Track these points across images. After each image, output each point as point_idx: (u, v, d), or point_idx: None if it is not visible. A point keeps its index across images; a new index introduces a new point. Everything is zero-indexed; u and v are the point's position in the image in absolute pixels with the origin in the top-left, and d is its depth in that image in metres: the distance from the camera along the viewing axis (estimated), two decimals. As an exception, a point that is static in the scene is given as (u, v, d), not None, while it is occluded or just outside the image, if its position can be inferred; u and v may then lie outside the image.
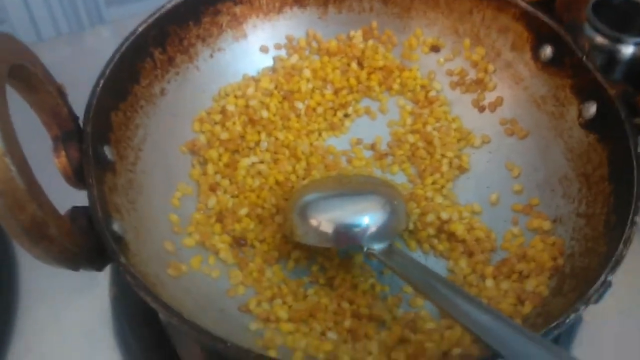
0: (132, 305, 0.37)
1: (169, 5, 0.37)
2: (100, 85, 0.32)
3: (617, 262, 0.28)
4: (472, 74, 0.42)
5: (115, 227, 0.28)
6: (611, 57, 0.45)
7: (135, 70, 0.36)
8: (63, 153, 0.29)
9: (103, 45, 0.52)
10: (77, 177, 0.29)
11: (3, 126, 0.22)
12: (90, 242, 0.26)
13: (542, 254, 0.33)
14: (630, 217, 0.30)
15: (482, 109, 0.41)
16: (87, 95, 0.32)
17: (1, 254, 0.38)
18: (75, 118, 0.31)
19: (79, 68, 0.40)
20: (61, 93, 0.30)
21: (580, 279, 0.30)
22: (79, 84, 0.32)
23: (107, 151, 0.31)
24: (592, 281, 0.28)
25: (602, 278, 0.28)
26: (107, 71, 0.33)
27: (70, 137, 0.30)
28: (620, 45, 0.44)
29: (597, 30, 0.44)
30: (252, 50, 0.42)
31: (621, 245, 0.29)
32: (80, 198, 0.29)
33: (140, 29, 0.36)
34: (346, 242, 0.33)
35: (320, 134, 0.41)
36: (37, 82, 0.29)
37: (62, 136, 0.30)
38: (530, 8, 0.38)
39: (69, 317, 0.37)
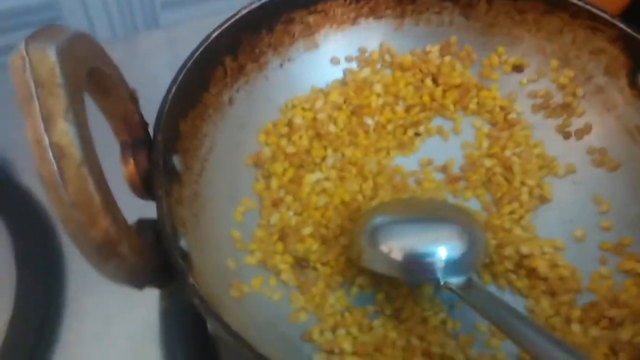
0: (181, 320, 0.36)
1: (243, 12, 0.36)
2: (173, 91, 0.31)
3: None
4: (557, 98, 0.39)
5: (182, 243, 0.27)
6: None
7: (206, 78, 0.35)
8: (131, 161, 0.28)
9: (157, 49, 0.51)
10: (145, 186, 0.28)
11: (81, 133, 0.21)
12: (157, 259, 0.24)
13: (637, 300, 0.30)
14: None
15: (567, 136, 0.38)
16: (141, 100, 0.30)
17: (51, 264, 0.37)
18: (146, 125, 0.30)
19: (133, 72, 0.39)
20: (133, 98, 0.29)
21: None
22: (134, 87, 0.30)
23: (176, 161, 0.30)
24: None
25: None
26: (180, 77, 0.31)
27: (140, 144, 0.29)
28: None
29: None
30: (322, 62, 0.40)
31: None
32: (137, 208, 0.27)
33: (214, 35, 0.34)
34: (419, 273, 0.30)
35: (388, 153, 0.39)
36: (111, 86, 0.28)
37: (131, 143, 0.29)
38: (629, 30, 0.35)
39: (115, 331, 0.35)
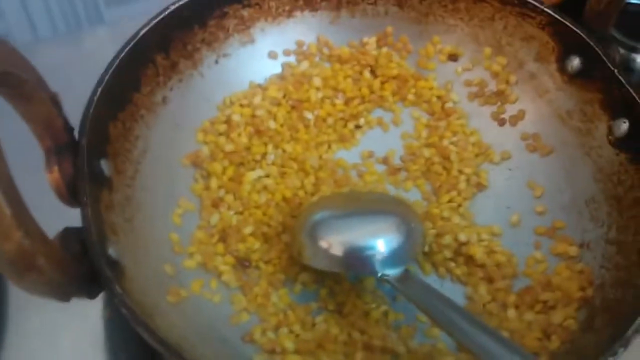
0: (126, 327, 0.35)
1: (172, 7, 0.35)
2: (98, 93, 0.30)
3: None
4: (492, 85, 0.39)
5: (111, 251, 0.26)
6: (626, 67, 0.43)
7: (136, 77, 0.34)
8: (56, 168, 0.27)
9: (101, 46, 0.50)
10: (71, 194, 0.27)
11: (-13, 144, 0.20)
12: (82, 269, 0.24)
13: (568, 283, 0.31)
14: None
15: (502, 123, 0.39)
16: (84, 100, 0.29)
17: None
18: (70, 129, 0.29)
19: (75, 70, 0.38)
20: (55, 102, 0.28)
21: (614, 313, 0.28)
22: (76, 86, 0.29)
23: (104, 165, 0.29)
24: (628, 317, 0.26)
25: (640, 316, 0.26)
26: (106, 78, 0.30)
27: (64, 150, 0.28)
28: (636, 54, 0.43)
29: (614, 39, 0.42)
30: (259, 56, 0.40)
31: (659, 278, 0.27)
32: (73, 215, 0.27)
33: (142, 32, 0.33)
34: (358, 266, 0.31)
35: (329, 146, 0.39)
36: (29, 91, 0.26)
37: (55, 149, 0.28)
38: (557, 16, 0.36)
39: (60, 342, 0.34)
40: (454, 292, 0.33)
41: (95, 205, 0.27)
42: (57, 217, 0.25)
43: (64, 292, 0.23)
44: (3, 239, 0.20)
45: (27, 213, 0.21)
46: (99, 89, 0.30)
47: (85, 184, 0.26)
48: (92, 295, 0.25)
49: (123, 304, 0.23)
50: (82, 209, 0.26)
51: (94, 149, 0.28)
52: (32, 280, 0.21)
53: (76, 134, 0.29)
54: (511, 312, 0.31)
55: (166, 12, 0.35)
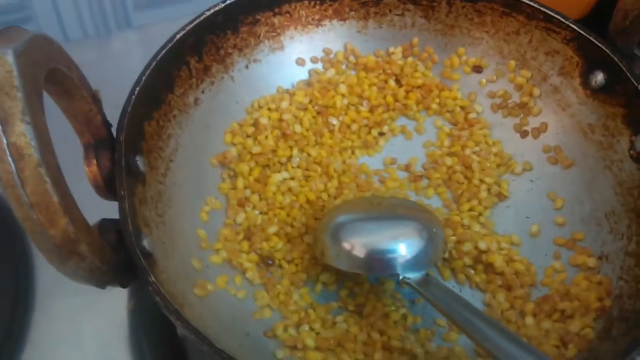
0: (149, 318, 0.36)
1: (207, 13, 0.36)
2: (136, 93, 0.31)
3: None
4: (515, 97, 0.40)
5: (145, 242, 0.27)
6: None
7: (171, 79, 0.35)
8: (94, 162, 0.28)
9: (129, 49, 0.51)
10: (108, 187, 0.28)
11: (39, 134, 0.21)
12: (119, 258, 0.25)
13: (586, 293, 0.32)
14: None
15: (524, 135, 0.39)
16: (113, 100, 0.31)
17: (19, 264, 0.37)
18: (109, 126, 0.30)
19: (104, 71, 0.39)
20: (95, 99, 0.29)
21: (631, 323, 0.28)
22: (104, 87, 0.30)
23: (139, 161, 0.30)
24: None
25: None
26: (144, 79, 0.32)
27: (103, 145, 0.29)
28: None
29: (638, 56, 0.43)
30: (288, 63, 0.41)
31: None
32: (104, 208, 0.28)
33: (178, 36, 0.35)
34: (380, 269, 0.31)
35: (353, 152, 0.40)
36: (72, 87, 0.28)
37: (94, 144, 0.29)
38: (581, 31, 0.37)
39: (85, 331, 0.35)
40: (473, 299, 0.34)
41: (130, 199, 0.28)
42: (90, 209, 0.26)
43: (101, 279, 0.24)
44: (50, 224, 0.21)
45: (73, 202, 0.22)
46: (137, 89, 0.31)
47: (123, 178, 0.27)
48: (124, 284, 0.26)
49: (157, 293, 0.24)
50: (119, 201, 0.27)
51: (130, 145, 0.30)
52: (73, 265, 0.22)
53: (114, 130, 0.30)
54: (529, 320, 0.31)
55: (201, 18, 0.36)
